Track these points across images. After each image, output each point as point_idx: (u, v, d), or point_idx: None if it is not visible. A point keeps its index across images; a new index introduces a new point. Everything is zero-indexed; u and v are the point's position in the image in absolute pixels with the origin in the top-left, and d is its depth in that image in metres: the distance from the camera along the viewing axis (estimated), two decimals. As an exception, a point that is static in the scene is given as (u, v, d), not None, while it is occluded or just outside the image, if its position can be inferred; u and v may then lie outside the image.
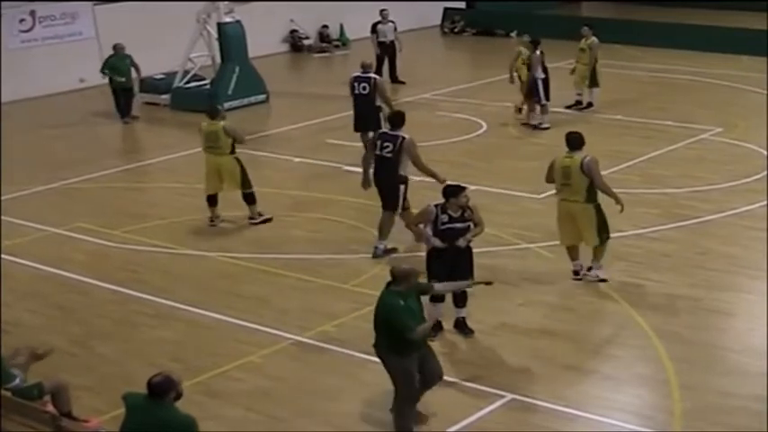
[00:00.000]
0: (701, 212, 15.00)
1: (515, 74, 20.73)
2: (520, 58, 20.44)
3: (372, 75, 18.13)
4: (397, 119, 13.81)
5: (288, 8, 30.63)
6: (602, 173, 12.54)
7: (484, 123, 20.84)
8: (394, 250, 13.79)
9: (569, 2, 37.14)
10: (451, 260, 10.83)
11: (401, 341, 8.77)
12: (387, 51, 25.16)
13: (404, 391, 9.05)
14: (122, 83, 22.42)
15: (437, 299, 10.98)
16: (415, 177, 15.37)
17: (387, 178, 13.73)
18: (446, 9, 34.66)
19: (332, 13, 31.65)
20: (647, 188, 16.04)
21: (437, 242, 10.96)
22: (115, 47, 22.56)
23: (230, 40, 23.32)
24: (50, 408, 9.27)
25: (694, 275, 12.83)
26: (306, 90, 26.19)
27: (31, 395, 9.22)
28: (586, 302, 12.26)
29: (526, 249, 13.89)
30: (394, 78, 25.03)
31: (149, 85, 24.48)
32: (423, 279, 11.00)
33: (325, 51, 31.43)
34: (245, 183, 15.13)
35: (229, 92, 23.11)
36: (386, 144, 13.61)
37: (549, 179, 12.67)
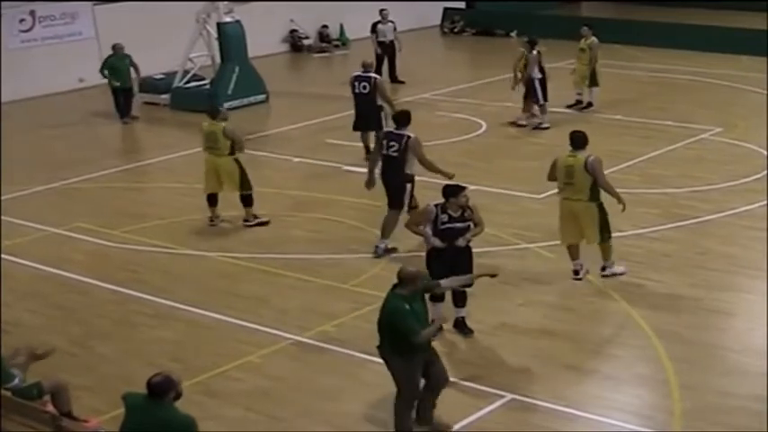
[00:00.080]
0: (700, 212, 15.00)
1: (519, 75, 20.60)
2: (523, 60, 20.39)
3: (373, 74, 18.16)
4: (403, 118, 13.83)
5: (288, 8, 30.63)
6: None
7: (483, 123, 20.84)
8: (394, 250, 13.79)
9: (569, 2, 37.14)
10: (451, 260, 10.82)
11: (405, 344, 8.73)
12: (386, 51, 25.17)
13: (406, 392, 9.03)
14: (121, 84, 22.40)
15: (437, 298, 10.98)
16: (416, 177, 15.41)
17: (393, 177, 13.75)
18: (446, 9, 34.66)
19: (332, 12, 31.65)
20: (646, 188, 16.04)
21: (437, 242, 10.96)
22: (114, 47, 22.55)
23: (230, 40, 23.32)
24: (50, 408, 9.27)
25: (694, 275, 12.83)
26: (306, 90, 26.19)
27: (30, 395, 9.22)
28: (586, 302, 12.26)
29: (526, 249, 13.89)
30: (393, 78, 25.03)
31: (149, 85, 24.48)
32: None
33: (324, 51, 31.43)
34: (243, 185, 15.08)
35: (229, 92, 23.11)
36: (392, 143, 13.64)
37: (552, 178, 12.67)
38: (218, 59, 23.95)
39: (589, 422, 9.57)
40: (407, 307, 8.73)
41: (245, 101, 23.27)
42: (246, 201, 15.17)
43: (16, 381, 9.30)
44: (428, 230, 11.02)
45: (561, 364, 10.67)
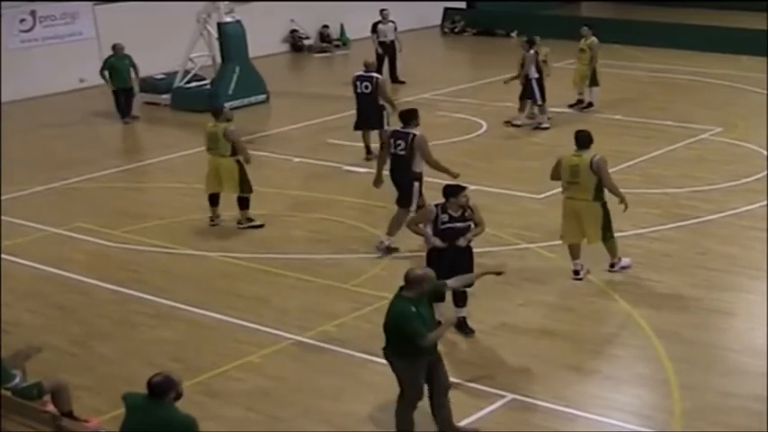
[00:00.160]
0: (701, 212, 15.00)
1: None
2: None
3: (375, 74, 18.24)
4: (408, 116, 13.86)
5: (288, 8, 30.63)
6: (603, 173, 12.58)
7: (484, 123, 20.84)
8: (395, 250, 13.79)
9: (569, 2, 37.14)
10: (452, 260, 10.82)
11: (411, 347, 8.67)
12: (387, 51, 25.17)
13: (409, 394, 8.99)
14: (121, 84, 22.40)
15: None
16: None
17: (401, 176, 13.79)
18: (446, 9, 34.66)
19: (332, 12, 31.65)
20: (647, 188, 16.04)
21: (437, 242, 10.97)
22: (114, 47, 22.56)
23: (230, 40, 23.32)
24: (50, 407, 9.28)
25: (694, 275, 12.83)
26: (306, 90, 26.19)
27: (30, 395, 9.23)
28: (586, 302, 12.26)
29: (526, 249, 13.89)
30: (394, 78, 25.02)
31: (150, 85, 24.49)
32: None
33: (325, 51, 31.43)
34: (242, 187, 15.02)
35: (230, 92, 23.11)
36: (398, 141, 13.70)
37: (555, 177, 12.69)
38: (218, 59, 23.96)
39: (589, 422, 9.57)
40: (414, 310, 8.66)
41: (246, 101, 23.26)
42: (242, 203, 15.14)
43: (16, 380, 9.30)
44: (428, 230, 11.03)
45: (561, 364, 10.67)
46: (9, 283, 13.38)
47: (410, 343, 8.64)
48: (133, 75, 22.70)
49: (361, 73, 18.12)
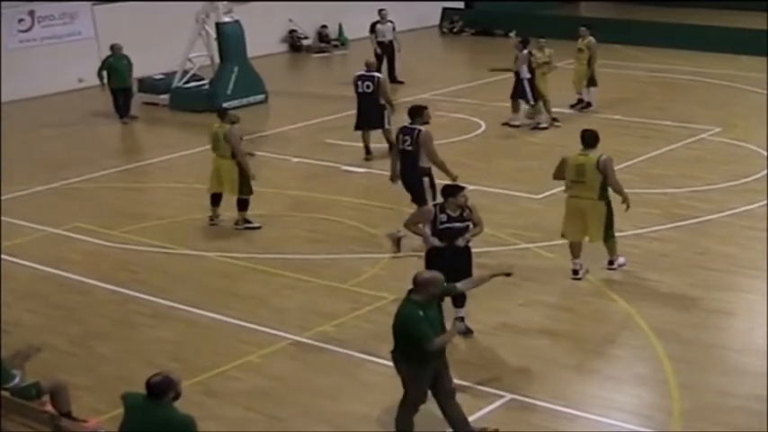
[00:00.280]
0: (700, 212, 15.00)
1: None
2: (534, 61, 20.32)
3: (376, 74, 18.33)
4: (415, 112, 13.96)
5: (287, 8, 30.62)
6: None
7: (483, 123, 20.84)
8: (398, 249, 13.74)
9: (569, 2, 37.14)
10: (451, 260, 10.80)
11: (418, 351, 8.60)
12: (385, 51, 25.17)
13: (412, 397, 8.94)
14: (120, 84, 22.40)
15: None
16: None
17: (409, 172, 13.88)
18: (445, 9, 34.66)
19: (331, 13, 31.65)
20: (646, 188, 16.03)
21: (436, 242, 10.96)
22: (113, 47, 22.55)
23: (229, 40, 23.32)
24: (49, 407, 9.27)
25: (694, 275, 12.83)
26: (305, 90, 26.19)
27: (29, 395, 9.22)
28: (586, 302, 12.26)
29: (525, 249, 13.89)
30: (393, 78, 25.00)
31: (148, 85, 24.50)
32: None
33: (324, 51, 31.43)
34: (242, 189, 14.98)
35: (228, 92, 23.10)
36: (405, 137, 13.83)
37: (558, 176, 12.70)
38: (217, 59, 23.94)
39: (589, 422, 9.57)
40: (421, 313, 8.58)
41: (245, 101, 23.24)
42: (241, 204, 15.11)
43: (16, 380, 9.30)
44: (427, 230, 11.02)
45: (561, 364, 10.67)
46: (9, 283, 13.38)
47: (417, 347, 8.57)
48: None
49: (363, 72, 18.19)
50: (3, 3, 25.24)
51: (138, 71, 23.50)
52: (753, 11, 31.39)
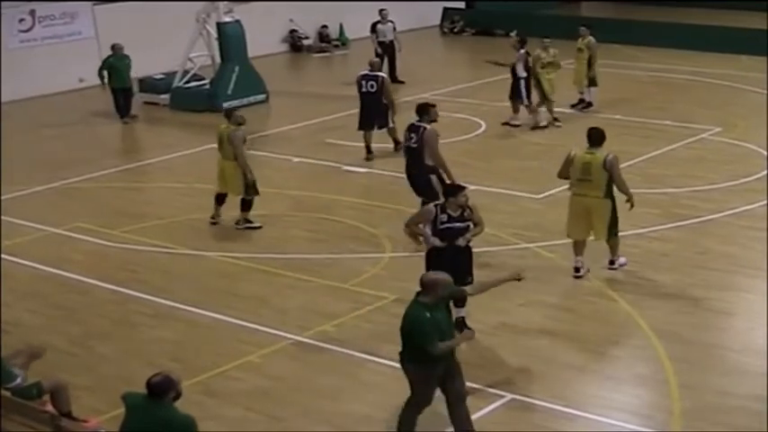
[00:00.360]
0: (700, 212, 15.00)
1: (534, 77, 20.45)
2: (539, 62, 20.31)
3: (380, 73, 18.40)
4: (422, 110, 14.07)
5: (287, 8, 30.63)
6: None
7: (483, 123, 20.85)
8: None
9: (569, 2, 37.14)
10: (451, 260, 10.80)
11: (423, 353, 8.54)
12: (386, 51, 25.18)
13: (418, 397, 8.90)
14: (120, 84, 22.41)
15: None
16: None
17: (415, 169, 13.99)
18: (445, 9, 34.66)
19: (331, 12, 31.65)
20: (646, 188, 16.02)
21: (436, 241, 10.96)
22: (113, 47, 22.56)
23: (230, 40, 23.33)
24: (49, 407, 9.27)
25: (694, 275, 12.83)
26: (305, 90, 26.19)
27: (30, 395, 9.22)
28: (586, 302, 12.26)
29: (526, 249, 13.89)
30: (393, 78, 24.96)
31: (149, 85, 24.51)
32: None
33: (324, 51, 31.44)
34: (247, 190, 14.96)
35: (229, 92, 23.11)
36: (411, 135, 13.98)
37: (563, 175, 12.71)
38: (217, 59, 23.96)
39: (589, 422, 9.57)
40: (428, 315, 8.52)
41: (245, 101, 23.22)
42: (244, 205, 15.09)
43: (18, 380, 9.30)
44: (428, 230, 11.02)
45: (561, 364, 10.67)
46: (9, 283, 13.38)
47: (422, 349, 8.53)
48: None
49: (367, 72, 18.25)
50: (3, 2, 25.24)
51: (139, 71, 23.53)
52: (753, 11, 31.39)
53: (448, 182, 13.20)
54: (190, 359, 11.07)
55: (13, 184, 17.78)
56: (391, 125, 18.38)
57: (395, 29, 25.29)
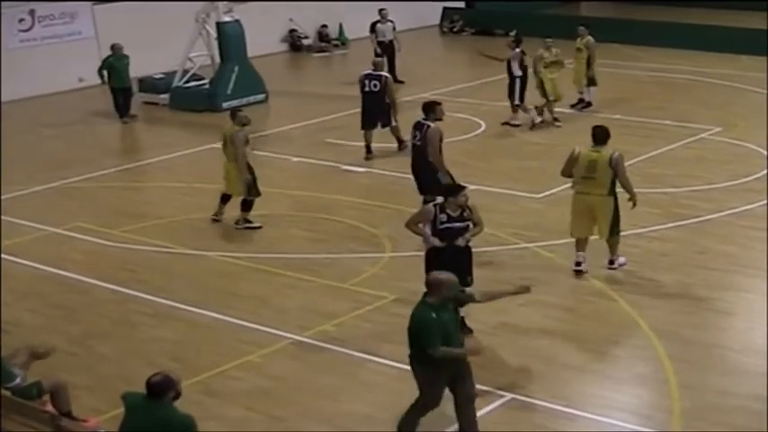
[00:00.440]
0: (700, 212, 15.00)
1: (537, 77, 20.46)
2: (542, 62, 20.31)
3: (384, 73, 18.51)
4: (428, 108, 14.23)
5: (287, 8, 30.63)
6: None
7: (483, 123, 20.85)
8: None
9: (569, 1, 37.13)
10: (451, 259, 10.78)
11: (426, 354, 8.52)
12: (386, 51, 25.16)
13: (426, 398, 8.87)
14: (120, 83, 22.41)
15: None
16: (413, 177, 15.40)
17: (420, 166, 14.16)
18: (445, 8, 34.65)
19: (331, 12, 31.65)
20: (646, 188, 16.00)
21: (436, 241, 10.95)
22: (113, 47, 22.56)
23: (229, 40, 23.33)
24: (49, 407, 9.27)
25: (694, 275, 12.83)
26: (305, 89, 26.18)
27: (30, 394, 9.22)
28: (586, 302, 12.26)
29: (525, 249, 13.89)
30: (393, 78, 24.96)
31: (149, 85, 24.50)
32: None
33: (324, 51, 31.43)
34: (249, 191, 14.94)
35: (228, 91, 23.11)
36: (416, 132, 14.19)
37: (567, 173, 12.72)
38: (217, 59, 23.95)
39: (589, 422, 9.57)
40: (434, 315, 8.48)
41: (245, 100, 23.18)
42: (244, 205, 15.08)
43: (18, 380, 9.30)
44: (427, 230, 11.01)
45: (561, 364, 10.67)
46: (9, 282, 13.37)
47: (425, 350, 8.53)
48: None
49: (370, 72, 18.31)
50: (3, 2, 25.24)
51: (138, 71, 23.52)
52: (753, 11, 31.38)
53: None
54: (190, 359, 11.07)
55: (13, 184, 17.78)
56: (394, 124, 18.44)
57: (394, 28, 25.29)
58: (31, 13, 26.17)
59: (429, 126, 14.02)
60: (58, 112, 24.14)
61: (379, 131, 18.59)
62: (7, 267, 13.96)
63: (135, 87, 23.62)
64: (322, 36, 31.94)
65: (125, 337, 11.85)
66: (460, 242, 10.94)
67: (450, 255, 10.86)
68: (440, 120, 14.19)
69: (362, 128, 18.50)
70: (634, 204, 12.63)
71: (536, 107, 20.50)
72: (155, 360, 10.79)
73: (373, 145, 18.52)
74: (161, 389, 7.45)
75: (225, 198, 15.29)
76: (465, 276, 10.79)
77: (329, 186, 16.98)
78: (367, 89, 18.30)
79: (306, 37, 31.75)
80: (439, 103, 14.40)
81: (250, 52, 24.06)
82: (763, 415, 9.40)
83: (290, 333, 11.60)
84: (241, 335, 11.68)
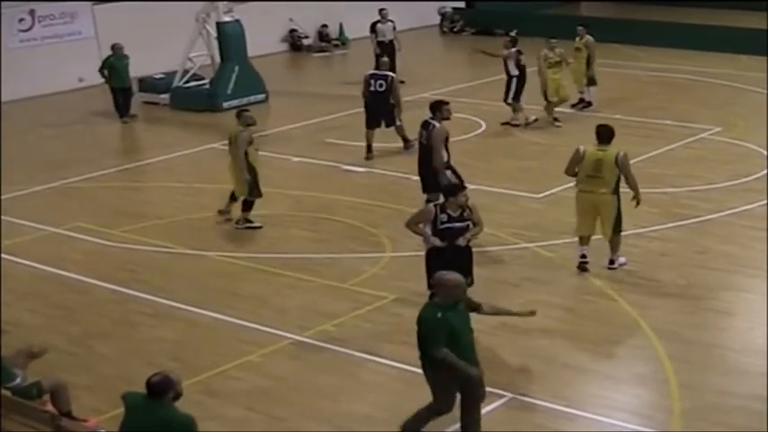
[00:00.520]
0: (700, 212, 15.00)
1: (542, 77, 20.42)
2: (546, 62, 20.30)
3: (390, 73, 18.53)
4: (435, 107, 14.33)
5: (287, 7, 30.63)
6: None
7: (483, 123, 20.84)
8: None
9: (569, 1, 37.12)
10: (451, 259, 10.78)
11: (435, 358, 8.54)
12: (386, 51, 25.13)
13: (439, 404, 8.83)
14: (120, 83, 22.41)
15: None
16: (413, 177, 15.42)
17: (426, 165, 14.23)
18: (440, 10, 34.61)
19: (331, 12, 31.65)
20: (646, 188, 15.93)
21: (436, 241, 10.96)
22: (113, 47, 22.56)
23: (229, 40, 23.33)
24: (49, 407, 9.27)
25: (694, 275, 12.83)
26: (305, 89, 26.18)
27: (30, 394, 9.22)
28: (586, 302, 12.26)
29: (525, 249, 13.88)
30: (394, 78, 25.04)
31: (149, 85, 24.51)
32: (423, 279, 11.05)
33: (324, 51, 31.43)
34: (251, 191, 14.96)
35: (229, 91, 23.11)
36: (422, 131, 14.29)
37: (570, 171, 12.72)
38: (217, 59, 23.96)
39: (589, 422, 9.56)
40: (439, 315, 8.46)
41: (245, 100, 23.17)
42: (245, 205, 15.08)
43: (18, 380, 9.30)
44: (428, 230, 11.02)
45: (561, 364, 10.67)
46: (9, 282, 13.37)
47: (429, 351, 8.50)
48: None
49: (375, 71, 18.36)
50: (3, 2, 25.24)
51: (139, 71, 23.53)
52: (753, 11, 31.38)
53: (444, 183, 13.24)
54: (190, 359, 11.06)
55: (13, 184, 17.78)
56: (398, 123, 18.48)
57: (395, 28, 25.25)
58: (31, 12, 26.17)
59: (434, 126, 14.11)
60: (58, 112, 24.14)
61: (381, 131, 18.60)
62: (7, 267, 13.96)
63: (135, 87, 23.64)
64: (322, 36, 31.94)
65: (125, 337, 11.85)
66: (461, 242, 10.94)
67: (450, 255, 10.86)
68: (446, 119, 14.25)
69: (367, 127, 18.52)
70: (638, 203, 12.63)
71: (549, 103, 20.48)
72: (155, 360, 10.79)
73: (375, 145, 18.51)
74: (161, 389, 7.45)
75: (234, 196, 15.30)
76: (465, 276, 10.76)
77: (329, 186, 16.97)
78: (372, 89, 18.38)
79: (306, 37, 31.75)
80: (446, 103, 14.47)
81: (250, 52, 24.06)
82: (763, 415, 9.40)
83: (290, 333, 11.59)
84: (241, 335, 11.68)
